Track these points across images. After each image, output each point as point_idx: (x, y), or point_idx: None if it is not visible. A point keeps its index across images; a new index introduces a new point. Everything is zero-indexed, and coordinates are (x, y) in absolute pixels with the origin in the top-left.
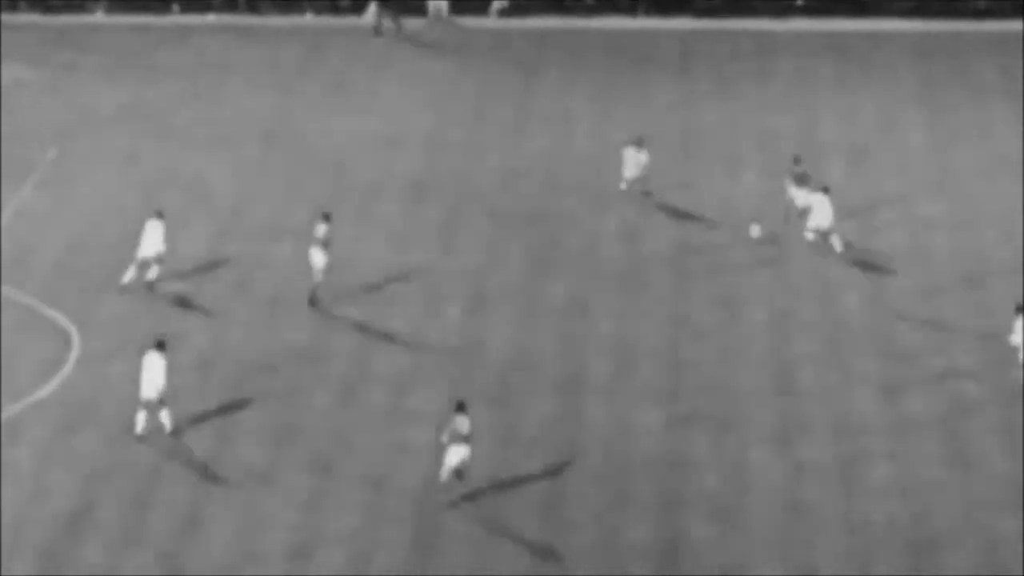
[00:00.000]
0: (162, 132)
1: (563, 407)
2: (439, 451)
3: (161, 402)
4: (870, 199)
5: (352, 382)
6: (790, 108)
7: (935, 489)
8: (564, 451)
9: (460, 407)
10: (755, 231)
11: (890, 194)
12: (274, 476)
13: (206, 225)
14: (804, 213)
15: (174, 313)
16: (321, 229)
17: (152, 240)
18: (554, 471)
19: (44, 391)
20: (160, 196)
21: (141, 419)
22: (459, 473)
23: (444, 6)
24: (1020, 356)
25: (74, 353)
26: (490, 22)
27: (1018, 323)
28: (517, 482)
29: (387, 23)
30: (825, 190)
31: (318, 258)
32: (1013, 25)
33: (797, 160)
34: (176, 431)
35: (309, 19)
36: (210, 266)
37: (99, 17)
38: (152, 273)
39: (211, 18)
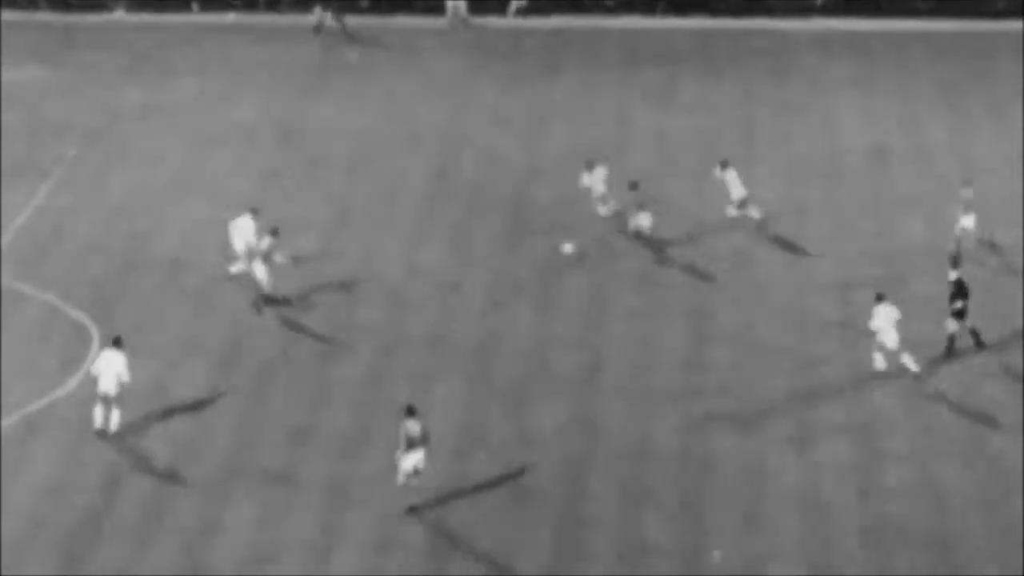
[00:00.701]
0: (182, 131)
1: (580, 406)
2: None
3: (116, 399)
4: (894, 197)
5: (377, 375)
6: (807, 108)
7: (953, 488)
8: (580, 450)
9: (410, 411)
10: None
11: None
12: (295, 476)
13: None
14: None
15: (194, 311)
16: (266, 242)
17: (245, 233)
18: (571, 470)
19: (63, 390)
20: (182, 195)
21: (99, 414)
22: (416, 472)
23: (463, 6)
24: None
25: (93, 352)
26: (508, 21)
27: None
28: (532, 481)
29: (330, 23)
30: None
31: (260, 271)
32: None
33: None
34: (118, 433)
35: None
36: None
37: (119, 15)
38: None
39: (231, 17)
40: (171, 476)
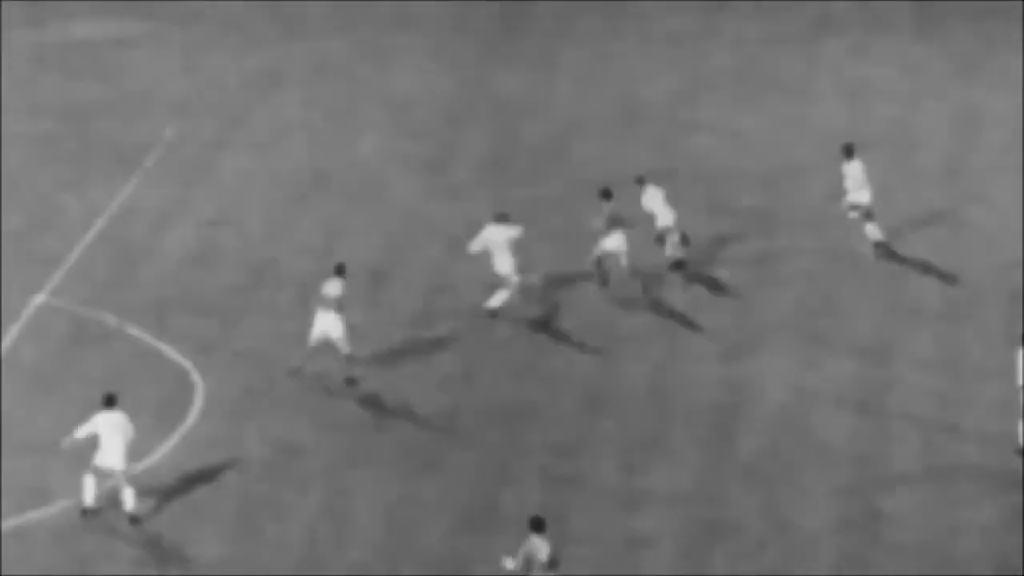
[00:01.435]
0: (317, 104)
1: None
2: None
3: (122, 474)
4: None
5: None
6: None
7: None
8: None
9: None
10: None
11: None
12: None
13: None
14: None
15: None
16: (335, 286)
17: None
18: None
19: (166, 445)
20: (303, 187)
21: (90, 486)
22: None
23: None
24: None
25: (198, 402)
26: None
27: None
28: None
29: None
30: None
31: (336, 327)
32: None
33: None
34: (137, 518)
35: None
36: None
37: None
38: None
39: None
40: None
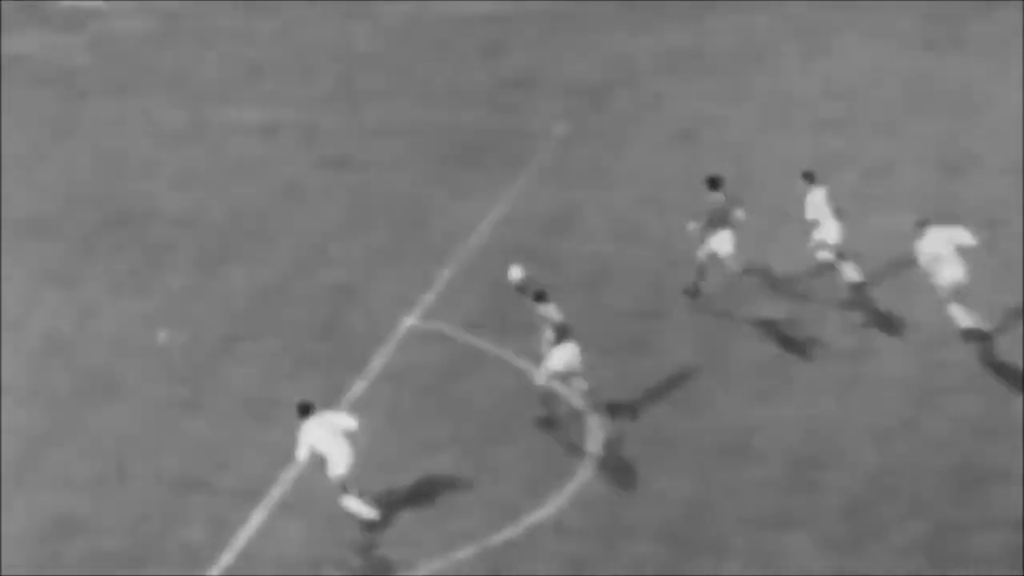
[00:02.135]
0: (733, 93)
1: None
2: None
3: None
4: None
5: None
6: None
7: None
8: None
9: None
10: None
11: None
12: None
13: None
14: None
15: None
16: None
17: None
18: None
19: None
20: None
21: (354, 502)
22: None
23: None
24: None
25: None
26: None
27: None
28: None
29: None
30: None
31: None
32: None
33: None
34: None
35: None
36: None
37: None
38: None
39: None
40: None
